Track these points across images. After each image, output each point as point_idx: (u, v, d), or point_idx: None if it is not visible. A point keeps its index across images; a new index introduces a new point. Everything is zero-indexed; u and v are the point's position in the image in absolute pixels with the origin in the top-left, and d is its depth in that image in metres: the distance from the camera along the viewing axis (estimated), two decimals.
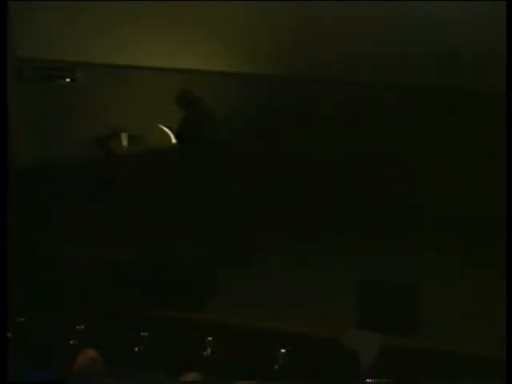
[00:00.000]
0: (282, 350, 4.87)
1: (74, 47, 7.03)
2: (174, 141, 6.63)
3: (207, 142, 6.58)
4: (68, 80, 7.23)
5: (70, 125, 7.33)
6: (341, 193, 7.05)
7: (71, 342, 4.96)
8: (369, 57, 6.61)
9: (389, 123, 6.85)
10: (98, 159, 7.20)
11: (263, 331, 5.35)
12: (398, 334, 5.39)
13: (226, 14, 6.72)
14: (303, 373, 4.90)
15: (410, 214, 6.83)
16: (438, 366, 5.00)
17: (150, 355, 4.97)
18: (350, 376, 4.95)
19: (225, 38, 6.83)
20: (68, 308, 5.52)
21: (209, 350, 4.97)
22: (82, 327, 5.10)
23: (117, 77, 7.11)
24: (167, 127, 6.63)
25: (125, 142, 7.23)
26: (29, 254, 5.94)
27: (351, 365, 4.96)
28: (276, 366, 4.83)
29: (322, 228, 6.84)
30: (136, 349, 4.96)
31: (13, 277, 3.99)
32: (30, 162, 7.22)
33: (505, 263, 4.10)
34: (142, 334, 5.07)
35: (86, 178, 7.12)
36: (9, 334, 3.92)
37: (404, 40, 6.52)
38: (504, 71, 5.00)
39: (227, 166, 6.62)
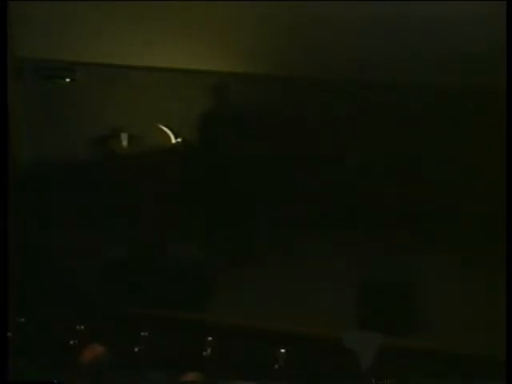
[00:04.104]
0: (282, 350, 4.87)
1: (73, 47, 7.03)
2: (173, 141, 6.63)
3: (207, 141, 6.58)
4: (68, 80, 7.23)
5: (70, 125, 7.33)
6: (341, 193, 7.05)
7: (71, 342, 4.96)
8: (369, 57, 6.62)
9: (389, 123, 6.85)
10: (98, 159, 7.20)
11: (263, 331, 5.35)
12: (398, 334, 5.39)
13: (225, 13, 6.72)
14: (303, 373, 4.91)
15: (410, 213, 6.83)
16: (437, 366, 5.00)
17: (150, 355, 4.97)
18: (349, 376, 4.95)
19: (225, 37, 6.83)
20: (68, 308, 5.52)
21: (209, 350, 4.97)
22: (82, 327, 5.10)
23: (117, 77, 7.11)
24: (167, 127, 6.63)
25: (125, 142, 7.22)
26: (29, 254, 5.94)
27: (351, 365, 4.96)
28: (276, 366, 4.83)
29: (322, 228, 6.84)
30: (136, 349, 4.96)
31: (13, 277, 4.00)
32: (30, 162, 7.21)
33: (505, 263, 4.10)
34: (142, 333, 5.07)
35: (86, 178, 7.12)
36: (9, 334, 3.92)
37: (404, 40, 6.53)
38: (504, 71, 5.00)
39: (227, 166, 6.62)
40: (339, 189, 7.05)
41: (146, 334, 5.07)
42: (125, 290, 5.96)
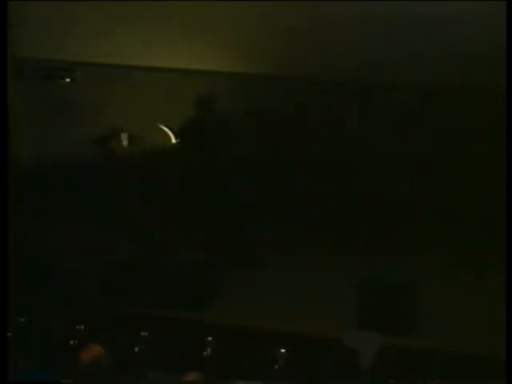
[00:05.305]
0: (282, 350, 4.88)
1: (73, 47, 7.04)
2: (173, 141, 6.63)
3: (207, 141, 6.58)
4: (68, 80, 7.23)
5: (70, 125, 7.33)
6: (341, 193, 7.05)
7: (71, 342, 4.97)
8: (369, 57, 6.62)
9: (389, 123, 6.85)
10: (98, 159, 7.20)
11: (263, 331, 5.35)
12: (398, 333, 5.39)
13: (225, 13, 6.72)
14: (303, 373, 4.91)
15: (410, 213, 6.83)
16: (437, 366, 5.00)
17: (150, 355, 4.97)
18: (349, 376, 4.95)
19: (225, 37, 6.83)
20: (68, 308, 5.52)
21: (209, 350, 4.97)
22: (82, 327, 5.11)
23: (117, 77, 7.11)
24: (167, 127, 6.64)
25: (125, 142, 7.23)
26: (29, 254, 5.94)
27: (351, 365, 4.96)
28: (276, 366, 4.83)
29: (322, 228, 6.84)
30: (136, 349, 4.96)
31: (13, 277, 4.00)
32: (30, 162, 7.22)
33: (505, 263, 4.10)
34: (142, 333, 5.07)
35: (86, 178, 7.12)
36: (9, 334, 3.93)
37: (404, 40, 6.53)
38: (504, 71, 5.00)
39: (227, 166, 6.62)
40: (339, 189, 7.05)
41: (146, 334, 5.08)
42: (125, 290, 5.95)
